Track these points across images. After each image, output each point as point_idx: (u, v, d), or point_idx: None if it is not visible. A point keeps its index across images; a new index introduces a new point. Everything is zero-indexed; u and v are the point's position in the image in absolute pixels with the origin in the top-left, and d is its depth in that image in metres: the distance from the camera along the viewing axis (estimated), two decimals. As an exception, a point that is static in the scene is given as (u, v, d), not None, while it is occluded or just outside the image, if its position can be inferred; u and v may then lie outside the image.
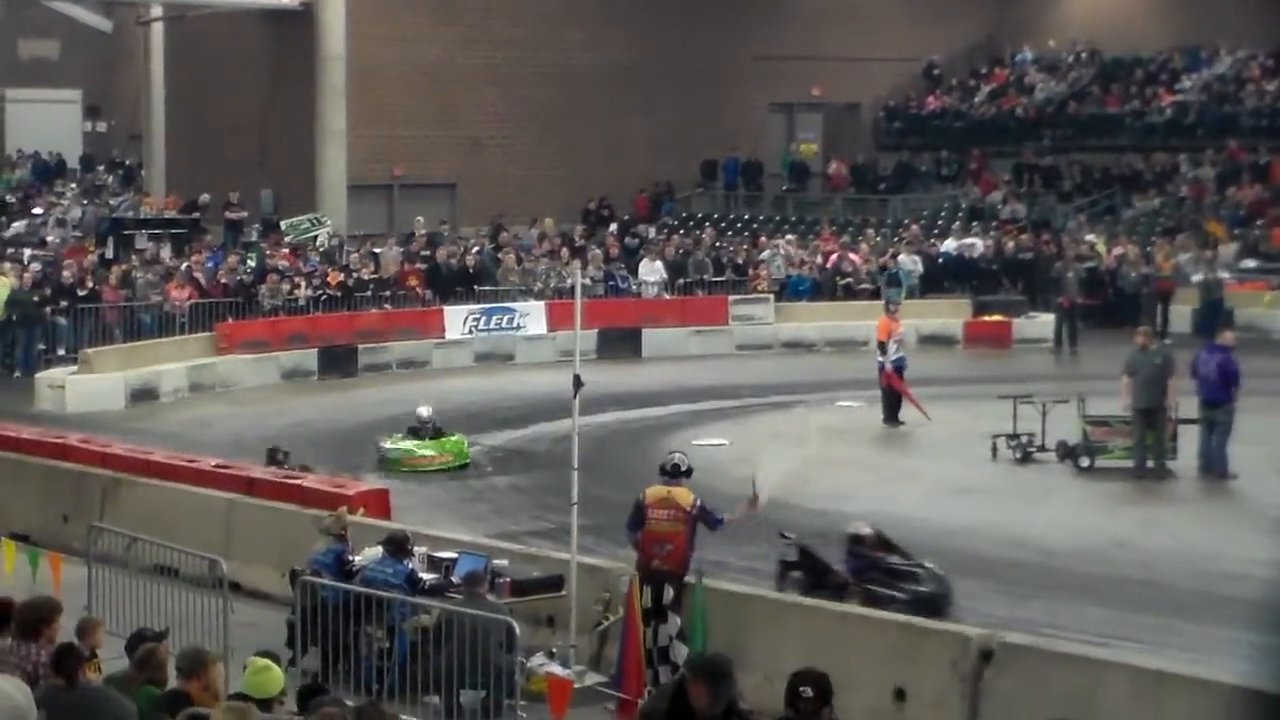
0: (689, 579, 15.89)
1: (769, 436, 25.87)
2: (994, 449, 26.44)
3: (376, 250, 40.73)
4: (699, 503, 15.92)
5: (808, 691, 8.57)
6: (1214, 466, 24.96)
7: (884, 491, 24.70)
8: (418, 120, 48.43)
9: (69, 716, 9.66)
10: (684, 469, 16.17)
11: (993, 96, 54.11)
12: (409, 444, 25.93)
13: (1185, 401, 25.44)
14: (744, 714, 8.89)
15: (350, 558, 16.46)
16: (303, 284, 37.36)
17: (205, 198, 46.91)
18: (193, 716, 9.50)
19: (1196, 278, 40.59)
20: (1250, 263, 42.31)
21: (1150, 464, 25.12)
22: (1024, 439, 26.31)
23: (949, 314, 40.56)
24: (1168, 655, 16.36)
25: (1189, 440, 25.29)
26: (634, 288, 40.58)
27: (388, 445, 26.07)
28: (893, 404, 29.52)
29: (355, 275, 38.30)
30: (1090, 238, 43.96)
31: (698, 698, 8.75)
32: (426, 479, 25.77)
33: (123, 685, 10.50)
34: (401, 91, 47.94)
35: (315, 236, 41.86)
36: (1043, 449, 26.23)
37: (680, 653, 15.57)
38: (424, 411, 26.52)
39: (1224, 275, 40.67)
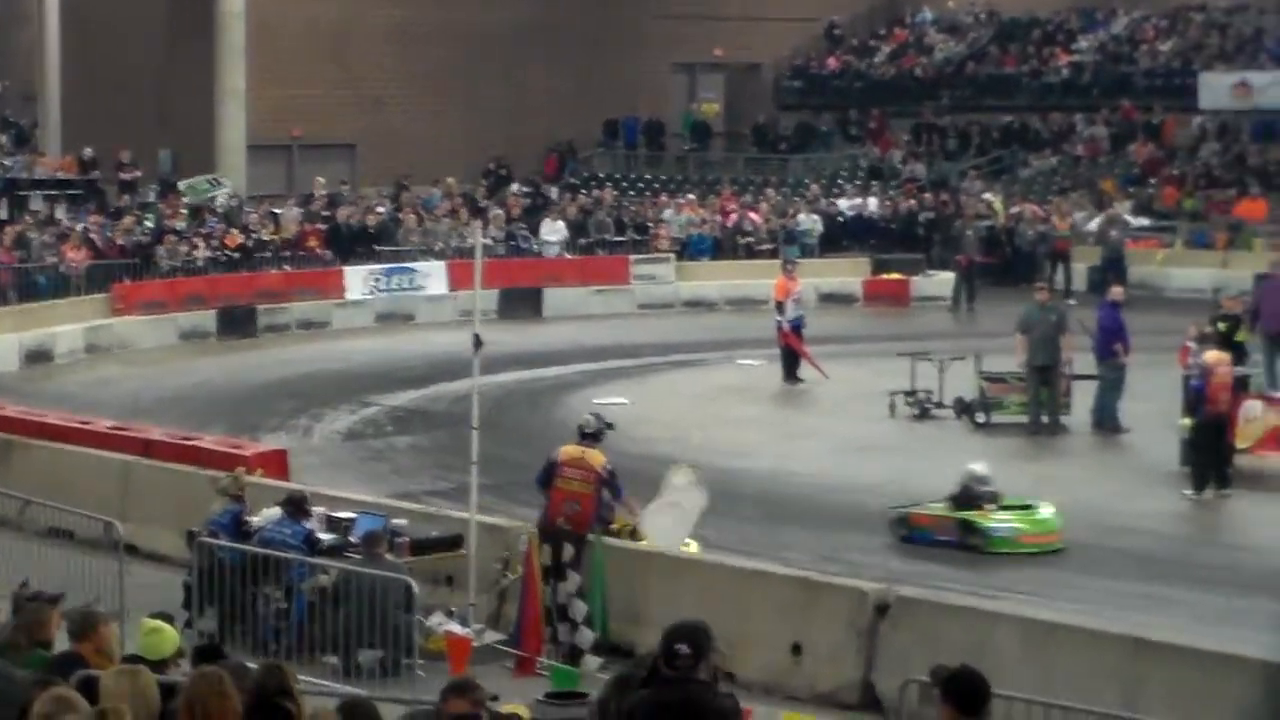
0: (588, 537, 15.95)
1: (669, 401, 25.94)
2: (892, 406, 26.66)
3: (276, 211, 40.49)
4: (610, 467, 15.98)
5: (684, 649, 8.53)
6: (1105, 422, 25.27)
7: (783, 449, 24.90)
8: (318, 80, 48.10)
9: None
10: (593, 430, 16.23)
11: (892, 57, 54.34)
12: (1016, 519, 19.62)
13: (1080, 358, 25.75)
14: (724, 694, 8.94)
15: (247, 518, 16.42)
16: (201, 245, 37.11)
17: (88, 152, 46.24)
18: (84, 679, 9.44)
19: (1091, 226, 41.04)
20: (1144, 221, 42.76)
21: (1045, 420, 25.41)
22: (921, 396, 26.54)
23: (848, 273, 40.88)
24: (1060, 607, 16.60)
25: (1084, 396, 25.58)
26: (535, 247, 40.57)
27: (987, 523, 19.49)
28: (791, 363, 29.70)
29: (255, 236, 38.08)
30: (988, 196, 44.32)
31: (706, 672, 8.74)
32: (333, 443, 25.75)
33: (8, 651, 10.39)
34: (301, 51, 47.58)
35: (214, 197, 41.55)
36: (940, 406, 26.47)
37: (579, 610, 15.66)
38: (980, 469, 20.06)
39: (1128, 223, 41.19)
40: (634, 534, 17.19)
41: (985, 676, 8.02)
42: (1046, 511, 19.82)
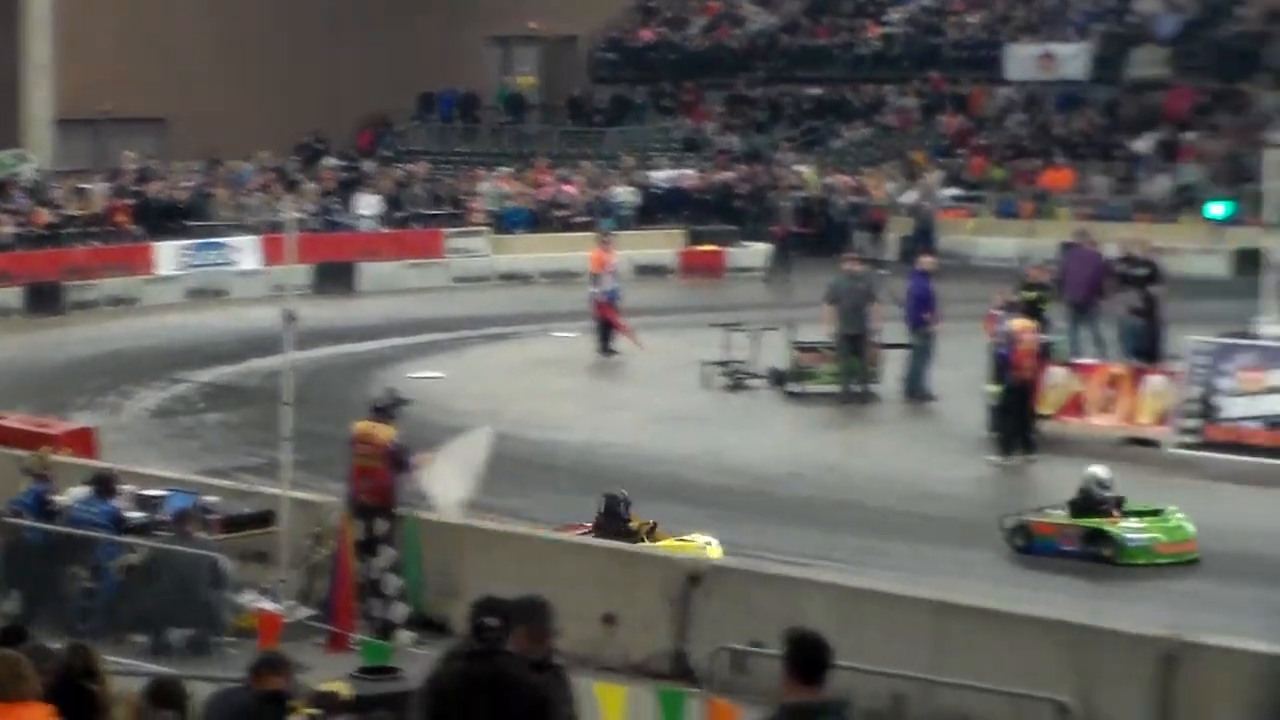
0: (400, 512, 15.91)
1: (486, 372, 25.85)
2: (705, 377, 26.82)
3: (84, 186, 39.83)
4: (397, 442, 15.85)
5: (491, 621, 8.59)
6: (914, 390, 25.64)
7: (598, 421, 25.00)
8: (127, 53, 47.32)
9: None
10: (384, 405, 16.13)
11: (706, 29, 54.56)
12: (1150, 527, 18.03)
13: (890, 327, 26.10)
14: (557, 667, 8.97)
15: (53, 497, 16.18)
16: (7, 221, 36.41)
17: None
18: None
19: (908, 198, 41.60)
20: (953, 191, 43.38)
21: (856, 389, 25.72)
22: (735, 366, 26.74)
23: (663, 244, 41.11)
24: (871, 574, 16.83)
25: (894, 365, 25.94)
26: (350, 221, 40.32)
27: (1120, 532, 17.90)
28: (606, 335, 29.80)
29: (62, 212, 37.44)
30: (800, 168, 44.72)
31: (518, 642, 8.77)
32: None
33: None
34: (110, 24, 46.80)
35: (19, 173, 40.78)
36: (754, 376, 26.68)
37: (392, 585, 15.62)
38: (1102, 472, 18.40)
39: (938, 194, 41.81)
40: (652, 532, 16.96)
41: (828, 642, 7.97)
42: (1178, 517, 18.12)
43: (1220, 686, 12.77)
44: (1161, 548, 17.77)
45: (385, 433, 15.84)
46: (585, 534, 16.87)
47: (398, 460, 15.77)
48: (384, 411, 16.06)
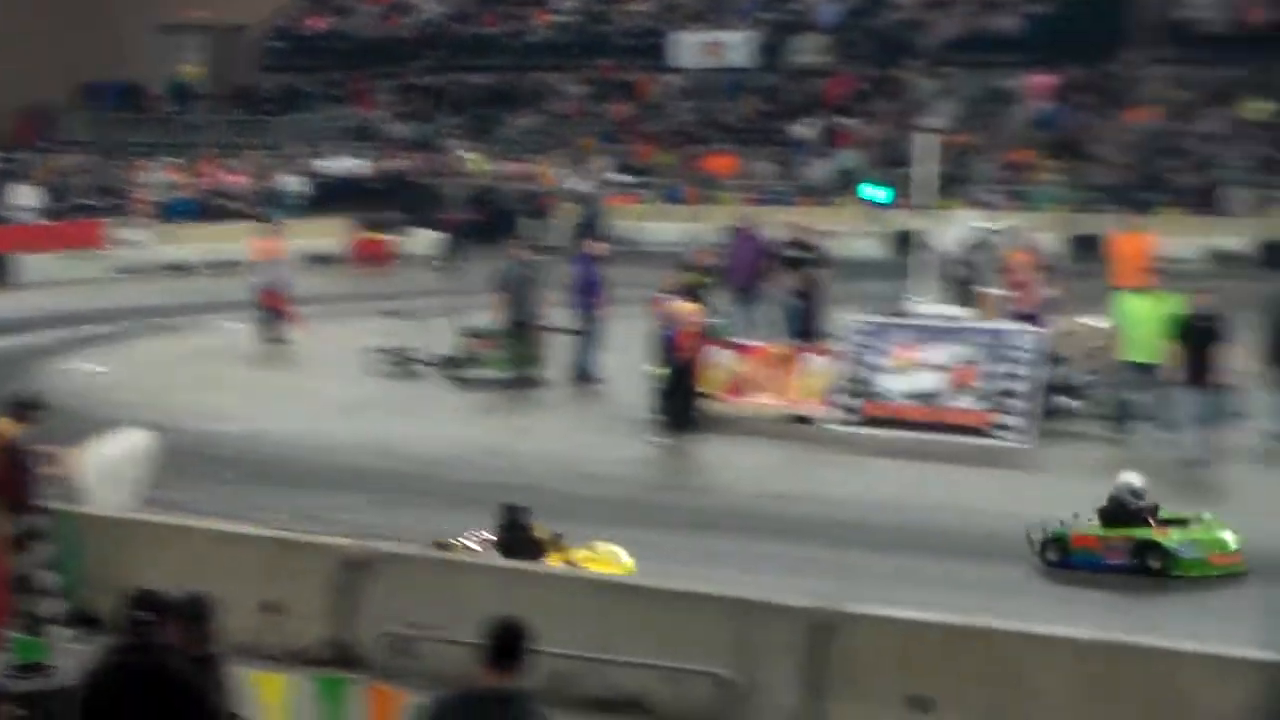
0: (56, 507, 15.59)
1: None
2: (373, 364, 26.76)
3: None
4: (18, 439, 15.42)
5: (143, 614, 8.54)
6: (581, 374, 25.90)
7: (265, 411, 24.79)
8: None
9: None
10: (19, 403, 15.73)
11: (376, 17, 54.33)
12: (1200, 537, 16.79)
13: (558, 312, 26.31)
14: (214, 657, 8.87)
15: None
16: None
17: None
18: None
19: (578, 185, 41.98)
20: (622, 177, 43.88)
21: (522, 374, 25.89)
22: (403, 353, 26.73)
23: (333, 233, 40.88)
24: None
25: (562, 350, 26.16)
26: (7, 213, 39.41)
27: (1171, 543, 16.63)
28: (274, 324, 29.55)
29: None
30: (469, 155, 44.84)
31: (175, 637, 8.69)
32: None
33: None
34: None
35: None
36: (422, 363, 26.69)
37: (48, 581, 15.31)
38: (1136, 481, 17.07)
39: (606, 180, 42.29)
40: (558, 542, 16.37)
41: (523, 626, 7.98)
42: (1215, 523, 16.91)
43: (873, 656, 13.10)
44: (1215, 559, 16.67)
45: (9, 429, 15.46)
46: (487, 546, 16.27)
47: (15, 459, 15.37)
48: (19, 408, 15.68)
